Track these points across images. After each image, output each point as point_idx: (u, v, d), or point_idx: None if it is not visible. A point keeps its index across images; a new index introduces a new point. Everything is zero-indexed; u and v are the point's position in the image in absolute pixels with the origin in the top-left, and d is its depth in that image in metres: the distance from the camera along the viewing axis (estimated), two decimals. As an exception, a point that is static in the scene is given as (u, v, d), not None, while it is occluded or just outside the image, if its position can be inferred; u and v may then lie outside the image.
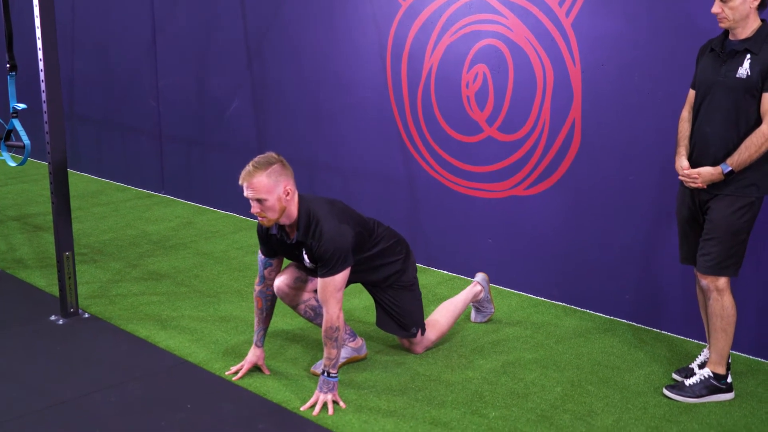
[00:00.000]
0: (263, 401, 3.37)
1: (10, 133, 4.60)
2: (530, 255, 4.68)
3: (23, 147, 4.64)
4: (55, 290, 4.58)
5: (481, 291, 4.20)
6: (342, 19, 5.41)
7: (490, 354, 3.89)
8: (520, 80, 4.52)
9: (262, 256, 3.63)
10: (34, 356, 3.81)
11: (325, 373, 3.40)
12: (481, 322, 4.26)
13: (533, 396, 3.45)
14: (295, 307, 3.75)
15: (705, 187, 3.31)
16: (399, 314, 3.78)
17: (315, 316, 3.77)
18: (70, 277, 4.25)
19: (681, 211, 3.50)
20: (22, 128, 4.52)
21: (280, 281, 3.68)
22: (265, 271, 3.63)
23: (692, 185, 3.34)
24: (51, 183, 4.17)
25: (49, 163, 4.14)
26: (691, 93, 3.45)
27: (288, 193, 3.33)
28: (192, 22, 6.59)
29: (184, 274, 5.04)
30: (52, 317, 4.25)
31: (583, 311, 4.47)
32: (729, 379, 3.45)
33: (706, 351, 3.60)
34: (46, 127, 4.09)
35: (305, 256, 3.50)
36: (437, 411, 3.30)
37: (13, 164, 4.73)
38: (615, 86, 4.15)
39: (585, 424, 3.21)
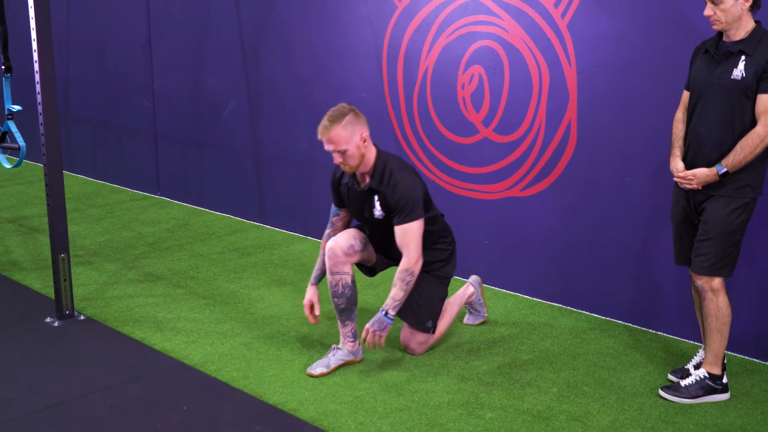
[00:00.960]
0: (260, 403, 3.38)
1: (6, 134, 4.60)
2: (526, 256, 4.69)
3: (18, 149, 4.64)
4: (50, 292, 4.58)
5: (473, 293, 4.21)
6: (337, 20, 5.42)
7: (486, 355, 3.90)
8: (515, 81, 4.53)
9: (333, 207, 3.88)
10: (30, 358, 3.82)
11: (384, 312, 3.58)
12: (473, 325, 4.27)
13: (529, 397, 3.46)
14: (333, 273, 3.68)
15: (700, 188, 3.33)
16: (422, 305, 3.79)
17: (341, 294, 3.68)
18: (65, 279, 4.25)
19: (676, 212, 3.52)
20: (17, 130, 4.52)
21: (335, 242, 3.70)
22: (334, 219, 3.87)
23: (687, 186, 3.35)
24: (46, 185, 4.18)
25: (45, 165, 4.15)
26: (685, 94, 3.47)
27: (364, 140, 3.54)
28: (187, 23, 6.60)
29: (180, 276, 5.04)
30: (48, 319, 4.26)
31: (579, 312, 4.48)
32: (724, 380, 3.46)
33: (701, 351, 3.62)
34: (42, 129, 4.10)
35: (377, 204, 3.63)
36: (434, 412, 3.31)
37: (8, 166, 4.73)
38: (611, 87, 4.17)
39: (581, 425, 3.23)
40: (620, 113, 4.15)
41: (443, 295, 3.91)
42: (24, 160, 8.07)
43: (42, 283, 4.81)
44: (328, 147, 3.51)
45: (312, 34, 5.61)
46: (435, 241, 3.82)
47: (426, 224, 3.67)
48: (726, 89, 3.25)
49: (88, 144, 8.11)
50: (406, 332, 3.87)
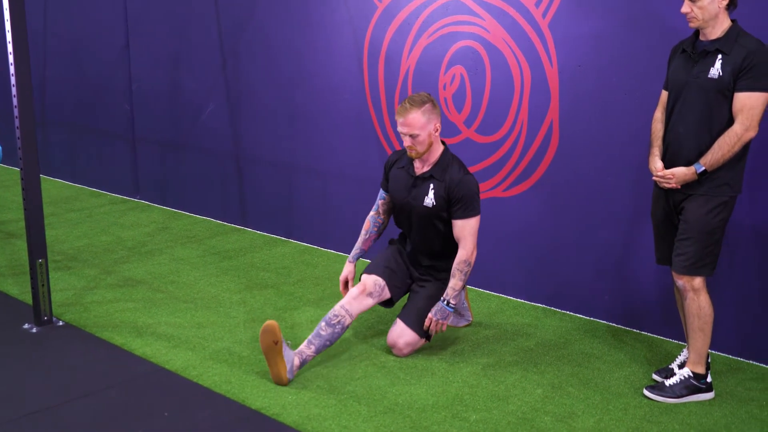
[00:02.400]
0: (242, 408, 3.37)
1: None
2: (509, 257, 4.71)
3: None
4: (28, 298, 4.55)
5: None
6: (318, 20, 5.42)
7: (470, 357, 3.91)
8: (497, 81, 4.55)
9: (381, 189, 4.06)
10: (7, 365, 3.78)
11: (445, 302, 3.79)
12: (457, 327, 4.28)
13: (514, 398, 3.48)
14: (343, 306, 3.76)
15: (679, 187, 3.35)
16: (427, 310, 3.86)
17: (333, 324, 3.72)
18: (43, 285, 4.22)
19: (656, 212, 3.54)
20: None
21: (367, 279, 3.88)
22: (380, 202, 4.08)
23: (666, 186, 3.38)
24: (23, 189, 4.14)
25: (21, 169, 4.11)
26: (664, 94, 3.50)
27: (437, 130, 3.74)
28: (166, 24, 6.57)
29: (160, 280, 5.02)
30: (26, 325, 4.23)
31: (563, 313, 4.50)
32: (709, 379, 3.49)
33: (685, 351, 3.64)
34: (18, 133, 4.06)
35: (430, 193, 3.77)
36: (418, 415, 3.31)
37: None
38: (592, 86, 4.19)
39: (566, 426, 3.24)
40: (602, 112, 4.18)
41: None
42: (0, 164, 8.00)
43: (19, 289, 4.77)
44: (402, 129, 3.69)
45: (292, 34, 5.60)
46: (455, 248, 3.89)
47: (452, 229, 3.82)
48: (703, 88, 3.27)
49: (66, 147, 8.05)
50: (396, 330, 3.87)
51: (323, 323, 3.74)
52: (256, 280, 5.04)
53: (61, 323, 4.28)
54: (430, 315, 3.80)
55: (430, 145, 3.75)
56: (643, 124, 3.92)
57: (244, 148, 6.17)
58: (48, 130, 8.20)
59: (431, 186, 3.79)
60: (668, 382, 3.48)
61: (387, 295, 3.94)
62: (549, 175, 4.44)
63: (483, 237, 4.77)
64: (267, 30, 5.77)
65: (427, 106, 3.69)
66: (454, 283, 3.79)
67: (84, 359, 3.86)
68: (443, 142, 3.85)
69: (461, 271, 3.77)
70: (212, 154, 6.44)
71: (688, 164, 3.32)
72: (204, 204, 6.63)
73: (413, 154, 3.76)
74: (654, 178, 3.44)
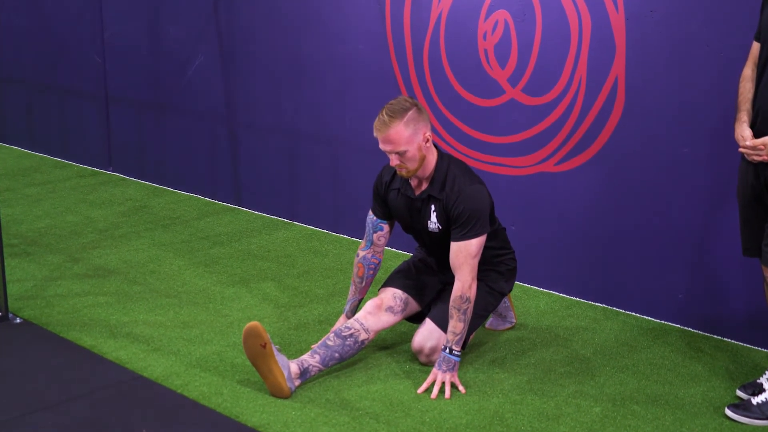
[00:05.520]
0: (236, 424, 3.38)
1: None
2: (562, 246, 4.69)
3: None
4: (-21, 290, 4.59)
5: (501, 295, 4.22)
6: (330, -45, 5.41)
7: (513, 367, 3.91)
8: (549, 30, 4.52)
9: (374, 217, 3.96)
10: (-45, 371, 3.83)
11: (447, 350, 3.68)
12: (498, 330, 4.27)
13: (566, 418, 3.47)
14: (358, 319, 3.78)
15: (773, 160, 3.32)
16: None
17: (343, 337, 3.73)
18: (-3, 274, 4.26)
19: (743, 191, 3.51)
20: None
21: (380, 300, 3.87)
22: (375, 236, 3.97)
23: (756, 159, 3.34)
24: (-27, 158, 4.17)
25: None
26: (755, 46, 3.45)
27: (427, 140, 3.66)
28: (145, -41, 6.58)
29: (138, 270, 5.05)
30: (-24, 323, 4.27)
31: (627, 314, 4.49)
32: (805, 397, 3.47)
33: (777, 362, 3.63)
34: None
35: (432, 216, 3.73)
36: (448, 436, 3.33)
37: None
38: (667, 37, 4.15)
39: (629, 452, 3.24)
40: (678, 69, 4.14)
41: (487, 312, 3.97)
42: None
43: (-32, 279, 4.82)
44: (385, 147, 3.62)
45: (298, -28, 5.60)
46: (492, 260, 3.92)
47: (486, 240, 3.77)
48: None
49: (24, 109, 8.10)
50: (423, 332, 3.86)
51: (333, 335, 3.75)
52: (253, 271, 5.06)
53: (18, 320, 4.31)
54: (435, 370, 3.68)
55: (423, 159, 3.66)
56: (728, 84, 3.88)
57: (239, 111, 6.17)
58: (2, 89, 8.25)
59: (432, 208, 3.76)
60: (756, 400, 3.47)
61: (415, 307, 3.96)
62: (611, 145, 4.41)
63: (529, 221, 4.76)
64: (267, -34, 5.77)
65: (411, 113, 3.59)
66: (454, 325, 3.68)
67: (45, 364, 3.89)
68: (436, 146, 3.78)
69: (459, 310, 3.66)
70: (200, 118, 6.45)
71: (783, 132, 3.29)
72: (190, 178, 6.65)
73: (404, 173, 3.70)
74: (741, 149, 3.40)
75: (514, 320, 4.31)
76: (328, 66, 5.56)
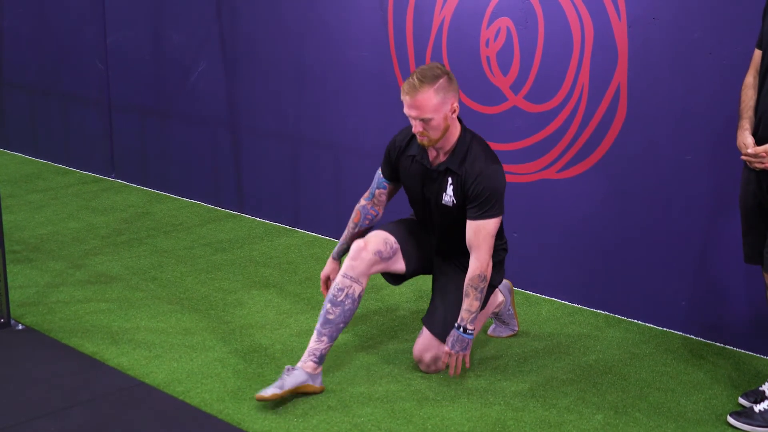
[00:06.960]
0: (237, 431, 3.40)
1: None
2: (564, 253, 4.70)
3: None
4: (-19, 296, 4.60)
5: (502, 302, 4.21)
6: (333, -39, 5.43)
7: (515, 374, 3.92)
8: (552, 37, 4.53)
9: (380, 175, 3.95)
10: (-43, 377, 3.84)
11: (461, 329, 3.67)
12: (500, 337, 4.28)
13: (568, 425, 3.47)
14: (345, 275, 3.71)
15: (775, 168, 3.33)
16: (455, 314, 3.79)
17: (339, 302, 3.67)
18: (-1, 281, 4.27)
19: (745, 199, 3.51)
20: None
21: (364, 241, 3.76)
22: (377, 191, 3.97)
23: (759, 167, 3.35)
24: (-24, 165, 4.19)
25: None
26: (757, 54, 3.46)
27: (454, 111, 3.61)
28: (148, -35, 6.60)
29: (140, 277, 5.06)
30: (-22, 329, 4.28)
31: (629, 321, 4.49)
32: (808, 404, 3.47)
33: (779, 370, 3.63)
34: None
35: (449, 189, 3.69)
36: (450, 443, 3.33)
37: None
38: (669, 44, 4.16)
39: (631, 460, 3.24)
40: (681, 76, 4.14)
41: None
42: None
43: (-29, 286, 4.83)
44: (410, 112, 3.55)
45: (301, -21, 5.61)
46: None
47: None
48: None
49: (26, 115, 8.11)
50: (423, 342, 3.86)
51: (329, 305, 3.69)
52: (255, 278, 5.06)
53: (20, 327, 4.32)
54: (446, 349, 3.71)
55: (446, 129, 3.61)
56: (730, 91, 3.88)
57: (241, 118, 6.18)
58: (5, 94, 8.26)
59: (449, 181, 3.72)
60: (758, 408, 3.46)
61: (399, 262, 3.86)
62: (613, 152, 4.41)
63: (531, 228, 4.76)
64: (270, -27, 5.78)
65: (442, 81, 3.55)
66: (469, 303, 3.68)
67: (47, 371, 3.89)
68: (460, 120, 3.73)
69: (476, 288, 3.66)
70: (203, 125, 6.46)
71: (786, 140, 3.30)
72: (193, 185, 6.65)
73: (425, 141, 3.64)
74: (743, 157, 3.41)
75: (517, 328, 4.31)
76: (330, 72, 5.57)
